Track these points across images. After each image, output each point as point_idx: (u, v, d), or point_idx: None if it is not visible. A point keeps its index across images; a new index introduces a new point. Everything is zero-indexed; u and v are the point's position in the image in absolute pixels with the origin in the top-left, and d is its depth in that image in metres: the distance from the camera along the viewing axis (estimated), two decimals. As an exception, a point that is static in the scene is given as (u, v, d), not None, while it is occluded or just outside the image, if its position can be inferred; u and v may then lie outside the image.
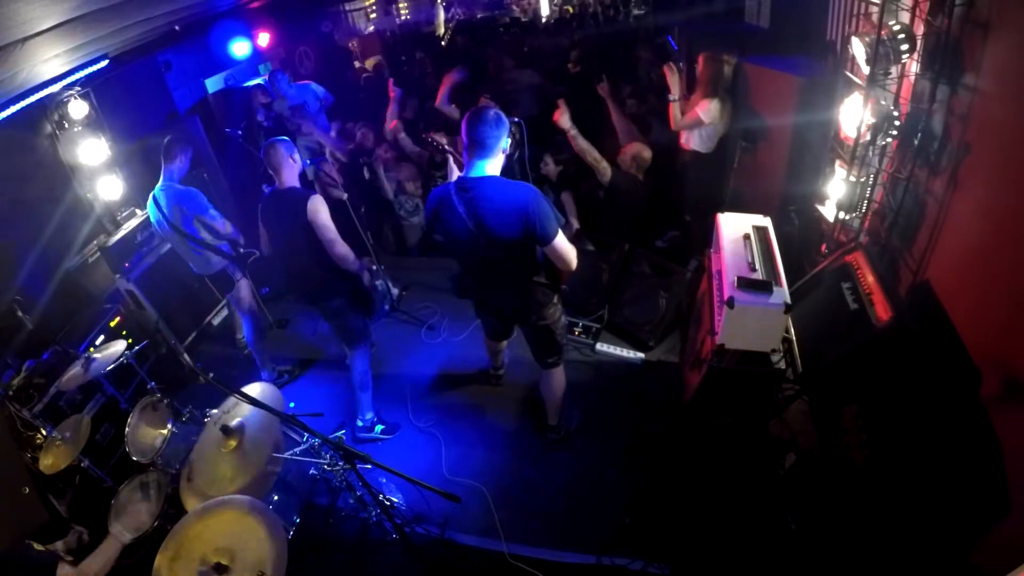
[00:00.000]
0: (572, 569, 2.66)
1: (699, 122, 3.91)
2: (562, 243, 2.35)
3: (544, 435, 3.27)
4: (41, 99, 3.56)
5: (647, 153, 4.17)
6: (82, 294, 3.94)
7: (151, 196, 3.57)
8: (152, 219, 3.64)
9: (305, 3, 7.65)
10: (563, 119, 3.83)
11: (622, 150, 4.24)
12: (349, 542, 2.84)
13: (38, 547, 2.12)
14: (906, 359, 2.31)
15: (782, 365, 2.60)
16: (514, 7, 13.06)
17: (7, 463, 2.07)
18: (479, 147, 2.29)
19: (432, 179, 5.01)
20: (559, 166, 4.68)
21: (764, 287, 2.41)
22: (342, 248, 2.95)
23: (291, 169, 2.97)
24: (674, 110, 4.01)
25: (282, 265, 3.20)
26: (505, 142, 2.35)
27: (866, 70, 2.56)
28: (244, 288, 3.92)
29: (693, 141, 4.11)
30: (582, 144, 3.96)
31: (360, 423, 3.41)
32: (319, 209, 2.86)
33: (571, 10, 11.85)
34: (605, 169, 4.05)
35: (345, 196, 4.06)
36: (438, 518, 2.90)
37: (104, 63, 3.63)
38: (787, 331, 2.75)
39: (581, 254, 2.59)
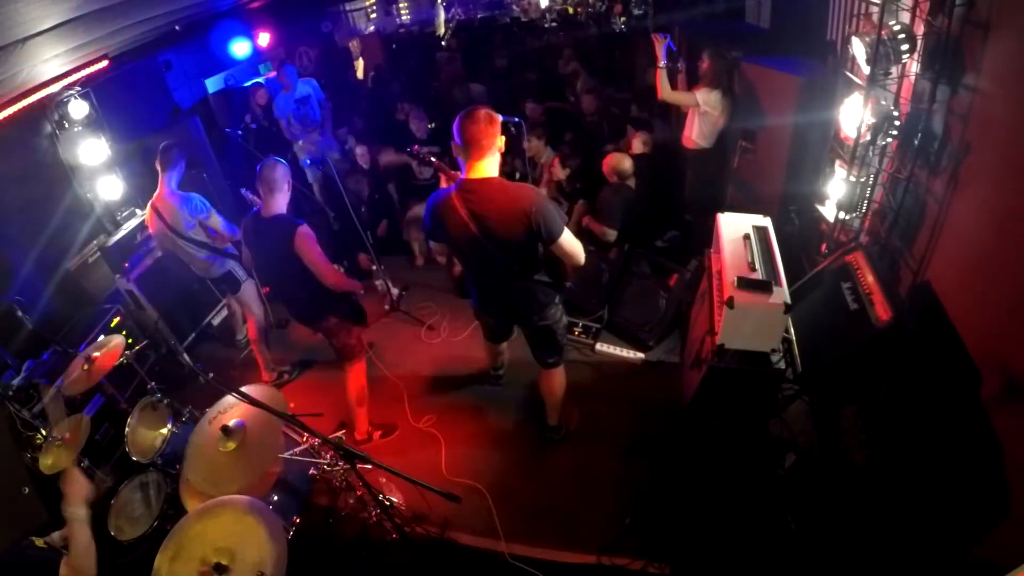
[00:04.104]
0: (572, 569, 2.66)
1: (692, 100, 3.83)
2: (568, 240, 2.32)
3: (544, 435, 3.27)
4: (41, 99, 3.56)
5: (627, 163, 4.04)
6: (82, 294, 3.95)
7: (150, 205, 3.54)
8: (153, 229, 3.60)
9: (305, 3, 7.66)
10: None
11: (603, 165, 4.15)
12: (349, 542, 2.84)
13: (39, 543, 2.12)
14: (906, 359, 2.31)
15: (782, 365, 2.60)
16: (514, 7, 13.07)
17: (7, 463, 2.07)
18: (475, 148, 2.24)
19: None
20: (566, 168, 4.65)
21: (764, 287, 2.41)
22: (334, 278, 2.88)
23: (282, 196, 2.84)
24: (661, 78, 3.82)
25: (272, 284, 3.13)
26: (500, 140, 2.29)
27: (866, 70, 2.56)
28: (250, 288, 3.92)
29: (695, 133, 4.07)
30: None
31: (357, 437, 3.40)
32: (307, 243, 2.75)
33: (570, 10, 11.86)
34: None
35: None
36: (438, 518, 2.90)
37: (104, 63, 3.64)
38: (787, 331, 2.75)
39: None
